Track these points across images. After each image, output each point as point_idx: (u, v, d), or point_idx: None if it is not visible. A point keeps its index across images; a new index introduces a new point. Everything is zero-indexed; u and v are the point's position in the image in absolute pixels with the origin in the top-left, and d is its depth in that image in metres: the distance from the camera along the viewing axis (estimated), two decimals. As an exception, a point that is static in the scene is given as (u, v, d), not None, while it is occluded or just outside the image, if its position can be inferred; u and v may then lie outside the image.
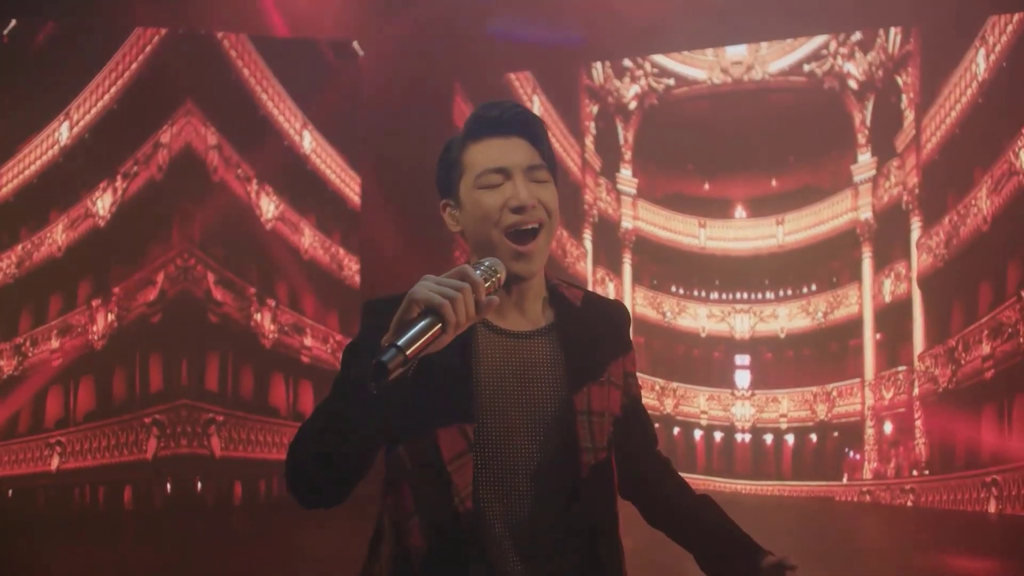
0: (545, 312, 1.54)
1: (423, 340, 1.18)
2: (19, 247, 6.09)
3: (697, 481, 6.57)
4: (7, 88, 5.82)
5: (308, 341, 6.49)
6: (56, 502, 6.07)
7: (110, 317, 6.15)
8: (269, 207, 6.38)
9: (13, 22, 5.90)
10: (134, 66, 6.12)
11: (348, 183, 6.56)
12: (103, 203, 6.15)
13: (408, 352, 1.16)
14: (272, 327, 6.40)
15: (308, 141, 6.44)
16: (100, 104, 6.10)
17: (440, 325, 1.20)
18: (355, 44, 6.45)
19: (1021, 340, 5.44)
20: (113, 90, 6.09)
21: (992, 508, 5.53)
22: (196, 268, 6.22)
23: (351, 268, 6.54)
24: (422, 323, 1.19)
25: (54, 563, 4.92)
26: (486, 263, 1.32)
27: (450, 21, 6.30)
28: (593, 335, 1.54)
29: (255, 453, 6.25)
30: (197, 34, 6.18)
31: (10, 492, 6.04)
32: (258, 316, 6.37)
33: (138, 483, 6.15)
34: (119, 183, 6.16)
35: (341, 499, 1.35)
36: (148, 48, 6.13)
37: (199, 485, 6.23)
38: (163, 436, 6.15)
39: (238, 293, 6.34)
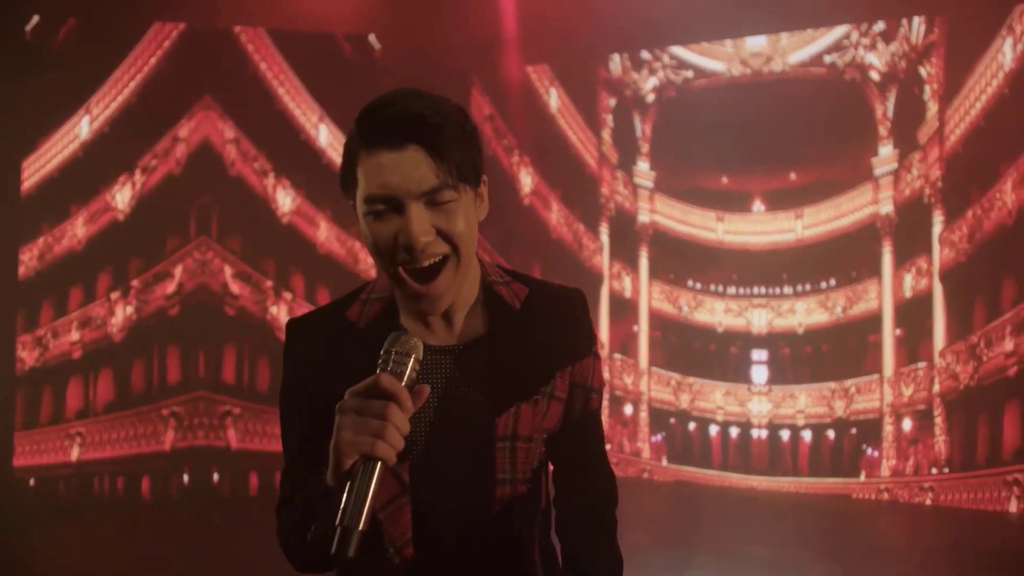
0: (478, 320, 1.34)
1: (370, 496, 1.07)
2: (40, 240, 6.17)
3: (712, 477, 6.53)
4: (30, 84, 5.88)
5: (324, 334, 6.50)
6: (76, 491, 6.16)
7: (128, 310, 6.21)
8: (286, 201, 6.41)
9: (36, 18, 5.97)
10: (153, 61, 6.16)
11: (364, 177, 6.56)
12: (122, 197, 6.21)
13: (361, 526, 1.05)
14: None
15: (325, 135, 6.45)
16: (120, 99, 6.15)
17: (380, 463, 1.08)
18: (371, 37, 6.45)
19: (1045, 337, 5.34)
20: (132, 84, 6.14)
21: (1014, 508, 5.44)
22: (213, 261, 6.27)
23: (367, 262, 6.54)
24: (360, 479, 1.07)
25: (74, 551, 4.98)
26: (400, 348, 1.13)
27: (466, 14, 6.29)
28: (533, 343, 1.33)
29: (270, 445, 6.27)
30: (215, 29, 6.21)
31: (32, 481, 6.14)
32: (274, 309, 6.40)
33: (156, 473, 6.21)
34: (138, 177, 6.21)
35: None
36: (167, 43, 6.17)
37: (215, 476, 6.28)
38: (180, 428, 6.20)
39: (255, 286, 6.37)
